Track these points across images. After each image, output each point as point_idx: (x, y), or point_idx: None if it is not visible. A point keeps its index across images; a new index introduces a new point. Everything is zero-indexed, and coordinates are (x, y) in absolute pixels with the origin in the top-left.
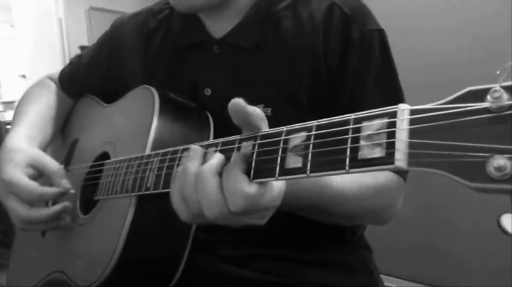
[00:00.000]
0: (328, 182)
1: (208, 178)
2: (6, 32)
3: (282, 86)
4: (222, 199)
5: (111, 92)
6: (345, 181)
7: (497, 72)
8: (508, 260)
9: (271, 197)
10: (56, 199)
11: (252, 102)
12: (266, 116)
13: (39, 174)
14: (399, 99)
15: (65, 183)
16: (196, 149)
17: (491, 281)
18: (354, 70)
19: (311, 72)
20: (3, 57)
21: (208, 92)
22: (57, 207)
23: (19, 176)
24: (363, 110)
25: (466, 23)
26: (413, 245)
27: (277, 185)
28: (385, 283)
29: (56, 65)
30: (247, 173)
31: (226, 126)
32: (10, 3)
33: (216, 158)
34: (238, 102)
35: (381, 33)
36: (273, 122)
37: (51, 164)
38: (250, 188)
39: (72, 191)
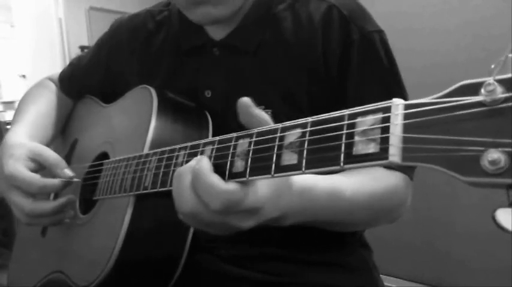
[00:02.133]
0: (341, 192)
1: (183, 175)
2: (6, 32)
3: (282, 87)
4: (193, 195)
5: (110, 93)
6: (356, 188)
7: (492, 66)
8: (507, 260)
9: (258, 196)
10: (58, 192)
11: None
12: None
13: (41, 167)
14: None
15: (68, 172)
16: None
17: (491, 281)
18: (357, 71)
19: (310, 73)
20: (3, 57)
21: (208, 94)
22: (62, 200)
23: (21, 169)
24: None
25: (466, 23)
26: (413, 245)
27: (262, 189)
28: (385, 283)
29: (56, 65)
30: (244, 171)
31: (227, 128)
32: (10, 3)
33: (194, 160)
34: (246, 101)
35: (381, 34)
36: (274, 123)
37: (52, 155)
38: (226, 184)
39: (76, 179)
